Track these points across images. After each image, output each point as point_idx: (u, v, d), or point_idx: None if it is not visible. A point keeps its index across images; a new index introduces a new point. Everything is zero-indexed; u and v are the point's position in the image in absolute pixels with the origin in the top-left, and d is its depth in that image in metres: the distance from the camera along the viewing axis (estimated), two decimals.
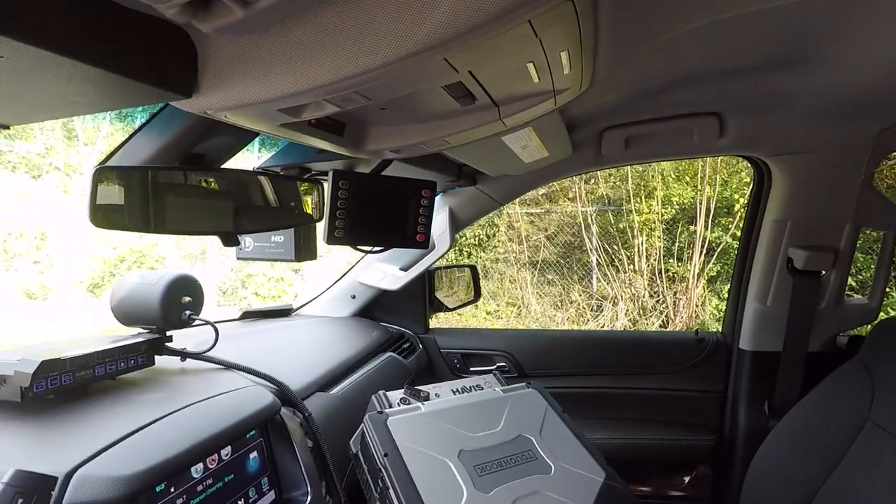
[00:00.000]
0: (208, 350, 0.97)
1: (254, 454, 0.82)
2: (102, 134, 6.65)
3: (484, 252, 6.74)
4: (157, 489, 0.66)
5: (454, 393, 0.99)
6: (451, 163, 1.17)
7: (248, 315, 1.51)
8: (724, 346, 1.42)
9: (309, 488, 0.86)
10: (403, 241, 0.95)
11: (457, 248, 6.63)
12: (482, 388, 1.01)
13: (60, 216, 6.35)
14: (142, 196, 0.70)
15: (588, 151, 1.23)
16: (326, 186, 0.86)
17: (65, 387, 0.73)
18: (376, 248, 1.06)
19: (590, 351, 1.52)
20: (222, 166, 0.84)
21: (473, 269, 1.88)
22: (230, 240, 0.79)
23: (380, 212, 0.91)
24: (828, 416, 1.14)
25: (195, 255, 6.69)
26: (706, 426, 1.42)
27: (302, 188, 0.97)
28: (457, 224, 1.45)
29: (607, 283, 6.06)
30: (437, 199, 1.39)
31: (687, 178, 5.85)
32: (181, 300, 0.93)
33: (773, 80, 0.92)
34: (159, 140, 0.71)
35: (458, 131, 0.68)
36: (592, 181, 6.41)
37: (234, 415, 0.80)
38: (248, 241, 1.07)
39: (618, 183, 6.17)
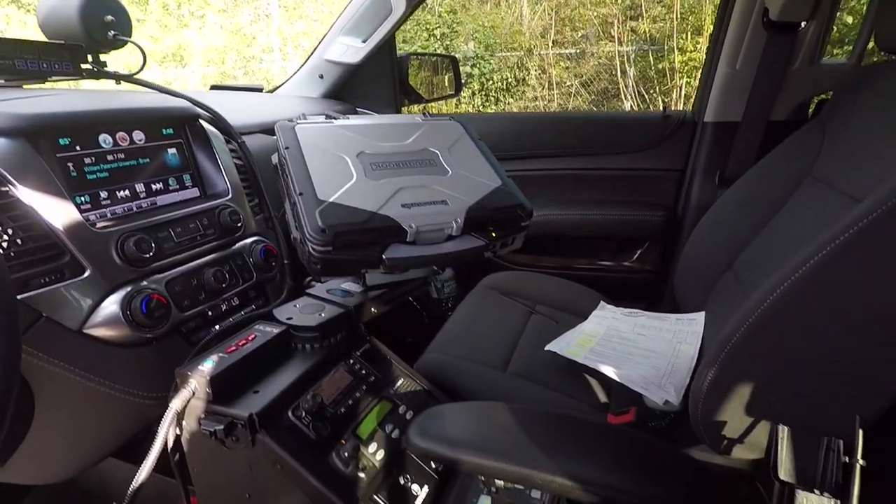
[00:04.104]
0: (137, 72, 1.01)
1: (172, 150, 0.89)
2: None
3: (512, 98, 6.45)
4: (62, 142, 0.73)
5: None
6: None
7: (217, 88, 1.54)
8: (689, 123, 1.37)
9: (231, 192, 0.94)
10: None
11: (483, 93, 6.37)
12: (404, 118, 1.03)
13: None
14: None
15: None
16: None
17: None
18: None
19: (556, 132, 1.50)
20: None
21: (454, 59, 1.81)
22: None
23: None
24: (772, 177, 1.12)
25: None
26: (661, 205, 1.43)
27: None
28: None
29: None
30: None
31: None
32: (104, 19, 0.95)
33: None
34: None
35: None
36: (637, 15, 5.80)
37: (148, 104, 0.85)
38: None
39: (664, 15, 5.56)
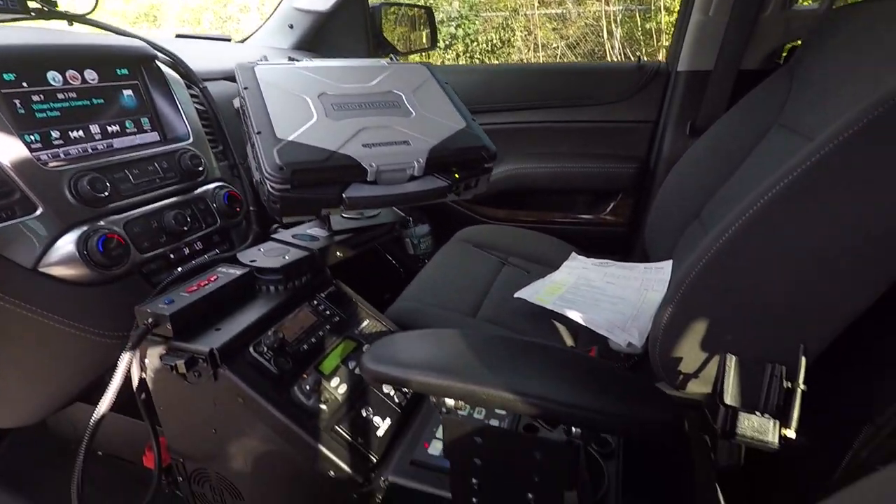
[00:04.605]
0: (90, 13, 0.97)
1: (128, 91, 0.87)
2: None
3: (497, 60, 6.33)
4: (6, 77, 0.71)
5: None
6: None
7: (182, 37, 1.49)
8: (663, 73, 1.36)
9: (191, 137, 0.93)
10: None
11: (468, 55, 6.24)
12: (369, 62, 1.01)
13: None
14: None
15: None
16: None
17: None
18: None
19: (530, 84, 1.49)
20: None
21: (429, 11, 1.77)
22: None
23: None
24: (740, 126, 1.12)
25: None
26: (634, 157, 1.43)
27: None
28: None
29: None
30: None
31: None
32: None
33: None
34: None
35: None
36: None
37: (100, 41, 0.83)
38: None
39: None
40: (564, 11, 6.10)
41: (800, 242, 0.69)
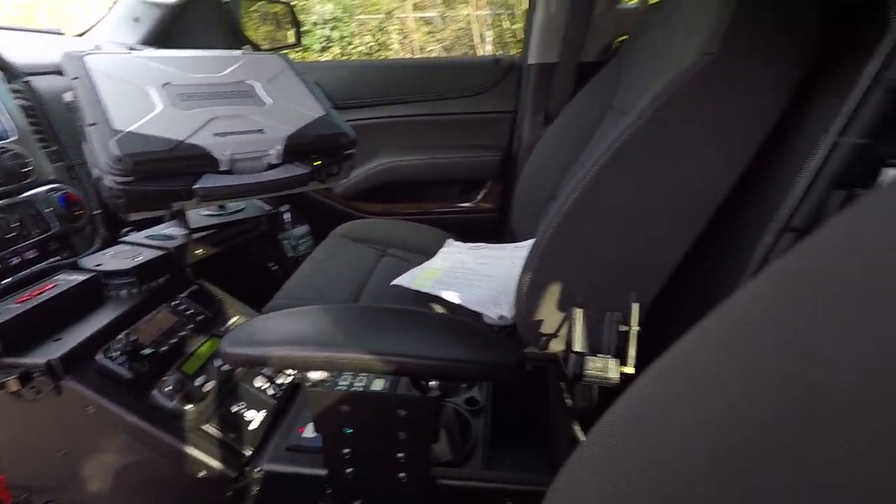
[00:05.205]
0: None
1: None
2: None
3: None
4: None
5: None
6: None
7: (5, 29, 1.32)
8: (517, 66, 1.47)
9: (14, 135, 0.83)
10: None
11: (346, 57, 6.18)
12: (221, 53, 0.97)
13: None
14: None
15: None
16: None
17: None
18: None
19: (394, 79, 1.52)
20: None
21: (290, 7, 1.73)
22: None
23: None
24: (582, 113, 1.25)
25: None
26: (497, 146, 1.53)
27: None
28: None
29: None
30: None
31: None
32: None
33: None
34: None
35: None
36: None
37: None
38: None
39: None
40: (437, 15, 6.28)
41: (625, 203, 0.80)
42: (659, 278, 0.87)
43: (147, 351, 0.69)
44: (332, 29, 6.10)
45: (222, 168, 0.72)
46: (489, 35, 6.01)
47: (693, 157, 0.81)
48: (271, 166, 0.77)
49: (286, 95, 0.88)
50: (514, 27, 5.71)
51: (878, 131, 0.66)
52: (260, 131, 0.78)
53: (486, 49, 6.00)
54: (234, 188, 0.73)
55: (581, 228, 0.83)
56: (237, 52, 0.96)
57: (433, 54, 6.23)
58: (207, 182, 0.71)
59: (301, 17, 6.04)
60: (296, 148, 0.79)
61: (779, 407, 0.22)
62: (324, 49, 6.17)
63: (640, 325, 0.77)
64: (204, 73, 0.86)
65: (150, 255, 0.79)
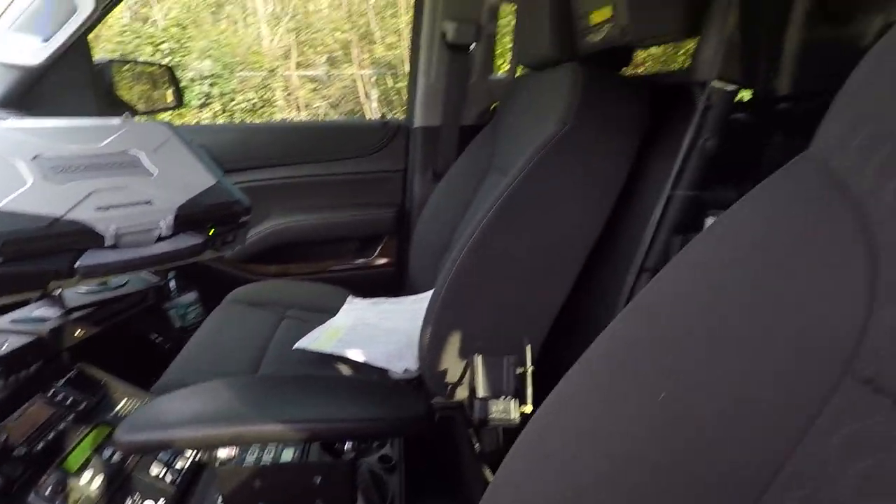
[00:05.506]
0: None
1: None
2: None
3: (259, 119, 6.26)
4: None
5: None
6: None
7: None
8: (404, 128, 1.57)
9: None
10: None
11: (226, 114, 6.02)
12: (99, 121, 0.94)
13: None
14: None
15: None
16: None
17: None
18: None
19: (285, 141, 1.55)
20: None
21: (170, 69, 1.70)
22: None
23: None
24: (466, 173, 1.36)
25: None
26: (390, 202, 1.59)
27: None
28: None
29: None
30: None
31: None
32: None
33: None
34: None
35: None
36: (374, 41, 6.24)
37: None
38: None
39: (397, 43, 6.12)
40: (324, 73, 6.40)
41: (509, 253, 0.89)
42: (547, 319, 0.97)
43: (20, 451, 0.62)
44: (212, 85, 5.95)
45: (107, 243, 0.69)
46: (374, 93, 6.24)
47: (562, 211, 0.93)
48: (162, 238, 0.75)
49: (174, 164, 0.87)
50: (397, 86, 6.00)
51: (699, 186, 0.82)
52: (148, 202, 0.76)
53: (373, 106, 6.21)
54: (122, 264, 0.70)
55: (473, 279, 0.90)
56: (116, 120, 0.92)
57: (320, 110, 6.31)
58: (91, 259, 0.68)
59: (178, 73, 5.83)
60: (188, 218, 0.78)
61: (639, 426, 0.28)
62: (203, 105, 5.98)
63: (534, 364, 0.84)
64: (80, 143, 0.82)
65: (17, 341, 0.72)
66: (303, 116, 6.27)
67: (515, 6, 1.42)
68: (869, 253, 0.31)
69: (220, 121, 6.01)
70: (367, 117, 6.11)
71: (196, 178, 0.86)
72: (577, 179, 0.91)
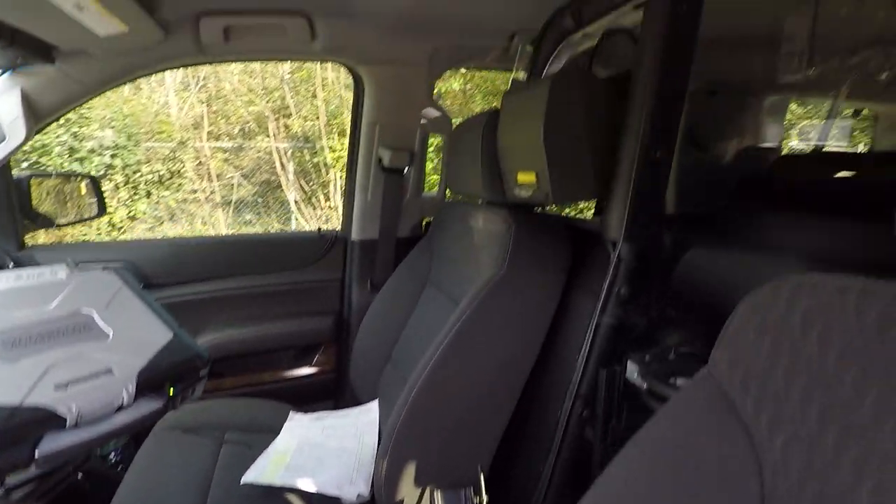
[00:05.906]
0: None
1: None
2: None
3: (168, 190, 5.99)
4: None
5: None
6: None
7: None
8: (341, 240, 1.64)
9: None
10: None
11: (130, 185, 5.70)
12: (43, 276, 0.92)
13: None
14: None
15: (185, 39, 1.19)
16: None
17: None
18: None
19: (220, 254, 1.55)
20: None
21: (93, 179, 1.65)
22: None
23: None
24: (404, 284, 1.44)
25: None
26: (329, 311, 1.63)
27: None
28: (36, 112, 1.24)
29: (306, 222, 6.16)
30: (2, 78, 1.17)
31: None
32: None
33: None
34: None
35: None
36: (289, 114, 6.31)
37: None
38: None
39: (314, 115, 6.22)
40: (236, 145, 6.32)
41: (459, 381, 0.98)
42: (493, 443, 1.05)
43: None
44: (113, 157, 5.65)
45: (69, 425, 0.69)
46: (290, 165, 6.25)
47: (502, 341, 1.04)
48: (122, 407, 0.75)
49: (128, 321, 0.87)
50: (314, 160, 6.07)
51: (617, 326, 0.96)
52: (108, 371, 0.76)
53: (290, 177, 6.19)
54: (83, 445, 0.69)
55: (426, 409, 0.98)
56: (62, 275, 0.91)
57: (233, 181, 6.17)
58: (51, 444, 0.67)
59: (76, 144, 5.49)
60: (149, 381, 0.79)
61: None
62: (102, 176, 5.63)
63: (487, 493, 0.92)
64: (28, 308, 0.81)
65: None
66: (215, 186, 6.11)
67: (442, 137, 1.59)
68: (758, 472, 0.45)
69: (123, 192, 5.70)
70: (285, 187, 6.09)
71: (153, 335, 0.87)
72: (514, 314, 1.03)
